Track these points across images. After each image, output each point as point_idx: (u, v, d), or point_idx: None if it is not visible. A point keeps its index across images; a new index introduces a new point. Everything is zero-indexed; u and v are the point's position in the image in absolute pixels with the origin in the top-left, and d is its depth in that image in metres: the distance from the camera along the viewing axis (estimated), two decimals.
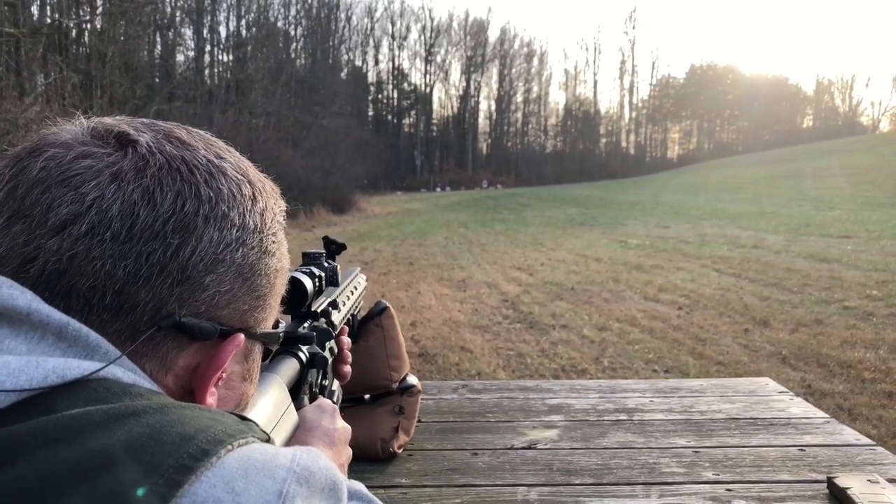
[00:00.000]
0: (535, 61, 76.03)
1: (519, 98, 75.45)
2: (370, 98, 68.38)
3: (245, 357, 0.59)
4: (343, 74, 56.43)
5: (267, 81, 30.82)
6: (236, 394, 0.59)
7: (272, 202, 0.58)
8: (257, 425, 0.50)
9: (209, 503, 0.38)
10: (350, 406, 1.36)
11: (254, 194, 0.55)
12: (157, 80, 26.45)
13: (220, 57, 34.05)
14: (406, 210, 31.43)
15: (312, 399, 0.91)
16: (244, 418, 0.49)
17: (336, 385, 1.06)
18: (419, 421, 1.48)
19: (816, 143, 50.66)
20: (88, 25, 19.11)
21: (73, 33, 20.00)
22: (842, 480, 1.14)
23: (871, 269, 9.81)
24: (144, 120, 0.55)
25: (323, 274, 1.01)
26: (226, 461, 0.40)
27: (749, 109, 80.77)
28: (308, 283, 0.92)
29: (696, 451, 1.33)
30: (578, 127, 76.75)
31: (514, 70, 74.43)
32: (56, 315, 0.45)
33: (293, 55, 41.92)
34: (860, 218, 15.73)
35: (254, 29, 35.73)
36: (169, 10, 28.94)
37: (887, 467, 1.24)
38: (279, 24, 40.52)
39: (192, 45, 31.37)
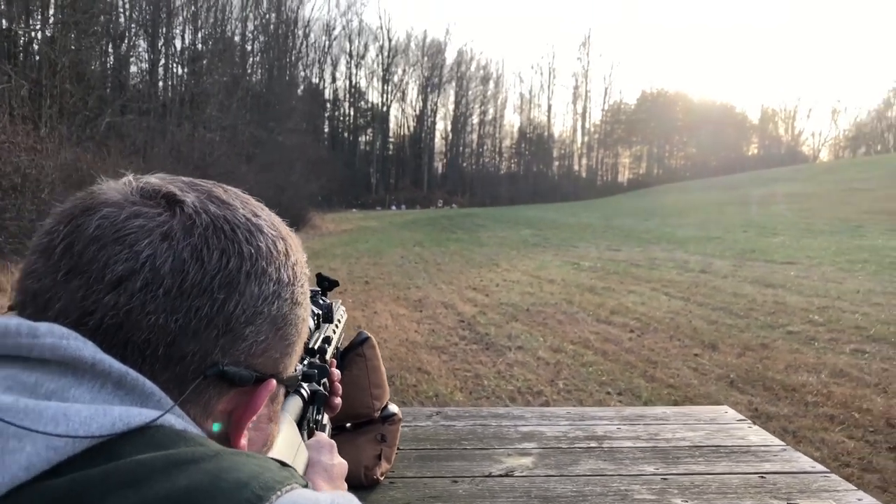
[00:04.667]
0: (491, 84, 76.99)
1: (475, 119, 76.25)
2: (326, 115, 68.15)
3: (272, 400, 0.63)
4: (299, 91, 56.13)
5: (223, 96, 30.49)
6: (264, 435, 0.63)
7: (300, 255, 0.62)
8: (296, 471, 0.54)
9: None
10: (333, 435, 1.39)
11: (287, 250, 0.59)
12: (109, 90, 25.91)
13: (175, 70, 33.61)
14: (361, 228, 31.32)
15: (310, 435, 0.95)
16: (284, 464, 0.53)
17: (326, 419, 1.09)
18: (398, 448, 1.52)
19: (761, 171, 52.32)
20: (39, 34, 18.68)
21: (22, 41, 19.53)
22: None
23: (812, 294, 10.17)
24: (185, 179, 0.59)
25: (320, 312, 1.05)
26: None
27: (697, 136, 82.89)
28: (310, 323, 0.96)
29: (665, 479, 1.40)
30: (532, 149, 77.72)
31: (470, 92, 75.24)
32: (117, 365, 0.48)
33: (249, 70, 41.59)
34: (802, 244, 16.30)
35: (210, 42, 35.38)
36: (123, 21, 28.50)
37: (841, 493, 1.33)
38: (236, 38, 40.21)
39: (146, 57, 30.89)
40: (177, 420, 0.50)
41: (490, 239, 22.98)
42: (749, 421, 1.77)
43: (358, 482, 1.33)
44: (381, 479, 1.36)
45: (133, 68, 30.27)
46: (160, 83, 31.42)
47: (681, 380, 6.15)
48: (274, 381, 0.58)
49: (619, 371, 6.47)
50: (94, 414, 0.45)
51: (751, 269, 13.04)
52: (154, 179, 0.57)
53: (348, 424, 1.42)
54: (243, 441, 0.58)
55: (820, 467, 1.46)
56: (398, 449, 1.52)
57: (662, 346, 7.43)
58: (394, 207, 56.28)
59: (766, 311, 9.11)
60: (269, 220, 0.60)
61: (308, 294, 0.64)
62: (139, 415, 0.47)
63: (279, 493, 0.45)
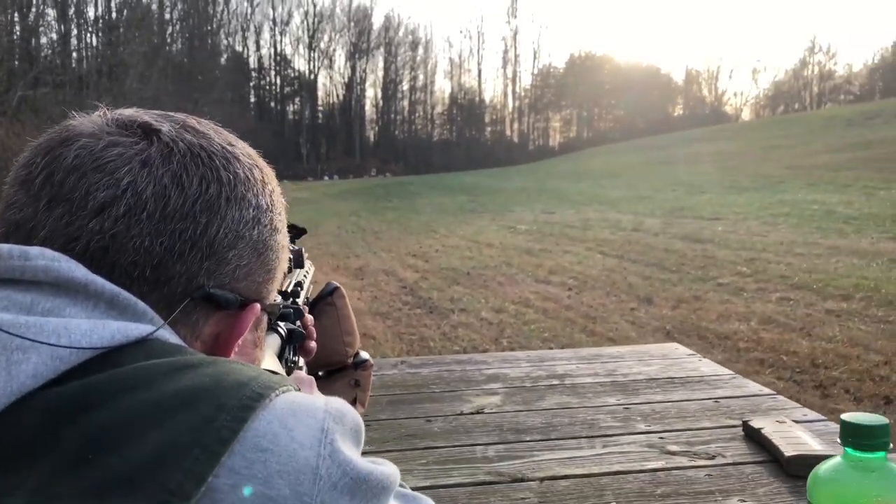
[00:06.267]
0: (420, 49, 76.26)
1: (405, 86, 75.54)
2: (252, 84, 66.54)
3: (256, 326, 0.65)
4: (223, 60, 54.53)
5: (142, 67, 29.31)
6: (249, 359, 0.65)
7: (276, 184, 0.64)
8: (288, 378, 0.56)
9: (269, 436, 0.44)
10: None
11: (263, 178, 0.61)
12: (17, 63, 24.61)
13: (89, 40, 32.06)
14: (293, 199, 30.14)
15: (288, 374, 0.97)
16: (275, 373, 0.56)
17: (302, 362, 1.12)
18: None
19: (686, 131, 53.65)
20: None
21: None
22: (755, 422, 1.31)
23: (739, 248, 10.60)
24: (158, 111, 0.60)
25: (291, 257, 1.07)
26: (276, 403, 0.46)
27: (625, 98, 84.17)
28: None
29: (627, 408, 1.48)
30: (464, 115, 77.67)
31: (399, 58, 74.39)
32: (109, 286, 0.50)
33: (169, 39, 40.08)
34: (727, 201, 16.89)
35: (125, 11, 33.87)
36: None
37: (789, 411, 1.43)
38: (153, 6, 38.60)
39: (57, 28, 29.40)
40: (171, 335, 0.52)
41: (426, 206, 23.01)
42: (699, 355, 1.87)
43: None
44: None
45: (43, 39, 28.79)
46: (74, 55, 29.99)
47: (620, 333, 6.37)
48: (258, 306, 0.60)
49: (560, 327, 6.64)
50: (93, 327, 0.47)
51: (680, 227, 13.47)
52: (128, 111, 0.59)
53: (321, 373, 1.44)
54: None
55: (767, 390, 1.57)
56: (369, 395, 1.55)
57: (600, 302, 7.66)
58: (326, 178, 55.42)
59: (697, 265, 9.46)
60: (244, 149, 0.62)
61: (286, 223, 0.66)
62: (136, 329, 0.49)
63: (277, 392, 0.48)
